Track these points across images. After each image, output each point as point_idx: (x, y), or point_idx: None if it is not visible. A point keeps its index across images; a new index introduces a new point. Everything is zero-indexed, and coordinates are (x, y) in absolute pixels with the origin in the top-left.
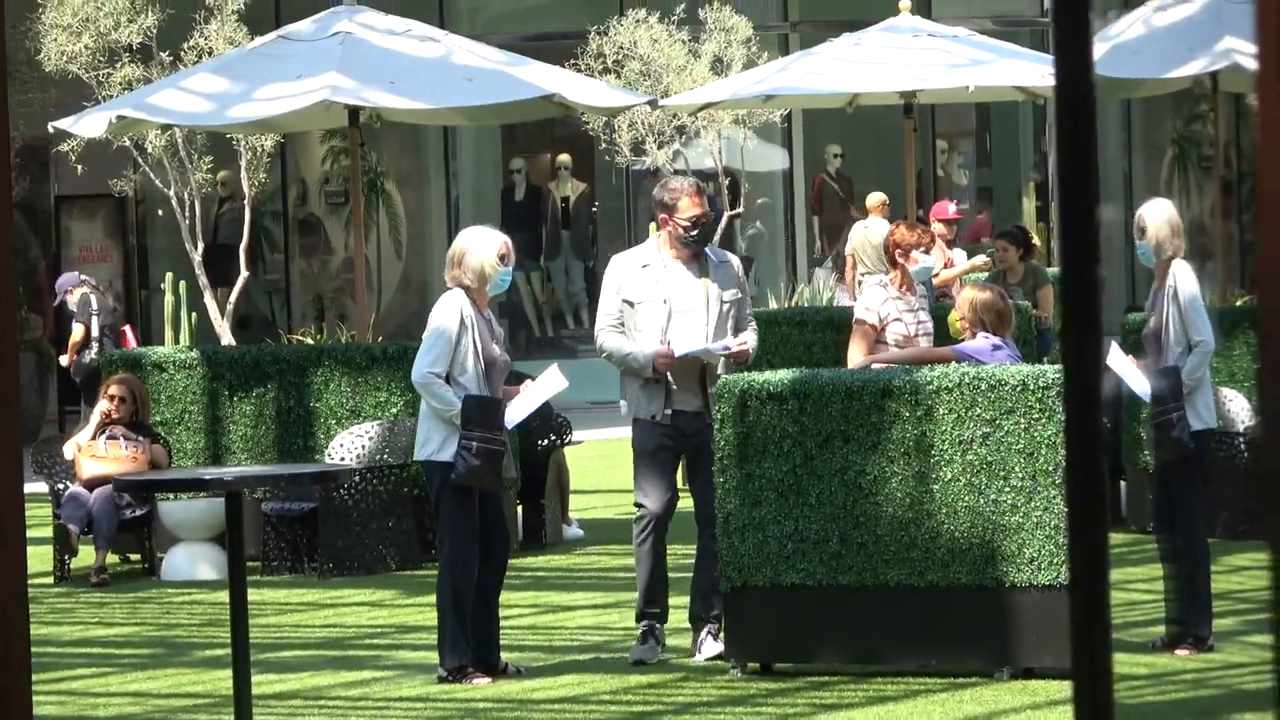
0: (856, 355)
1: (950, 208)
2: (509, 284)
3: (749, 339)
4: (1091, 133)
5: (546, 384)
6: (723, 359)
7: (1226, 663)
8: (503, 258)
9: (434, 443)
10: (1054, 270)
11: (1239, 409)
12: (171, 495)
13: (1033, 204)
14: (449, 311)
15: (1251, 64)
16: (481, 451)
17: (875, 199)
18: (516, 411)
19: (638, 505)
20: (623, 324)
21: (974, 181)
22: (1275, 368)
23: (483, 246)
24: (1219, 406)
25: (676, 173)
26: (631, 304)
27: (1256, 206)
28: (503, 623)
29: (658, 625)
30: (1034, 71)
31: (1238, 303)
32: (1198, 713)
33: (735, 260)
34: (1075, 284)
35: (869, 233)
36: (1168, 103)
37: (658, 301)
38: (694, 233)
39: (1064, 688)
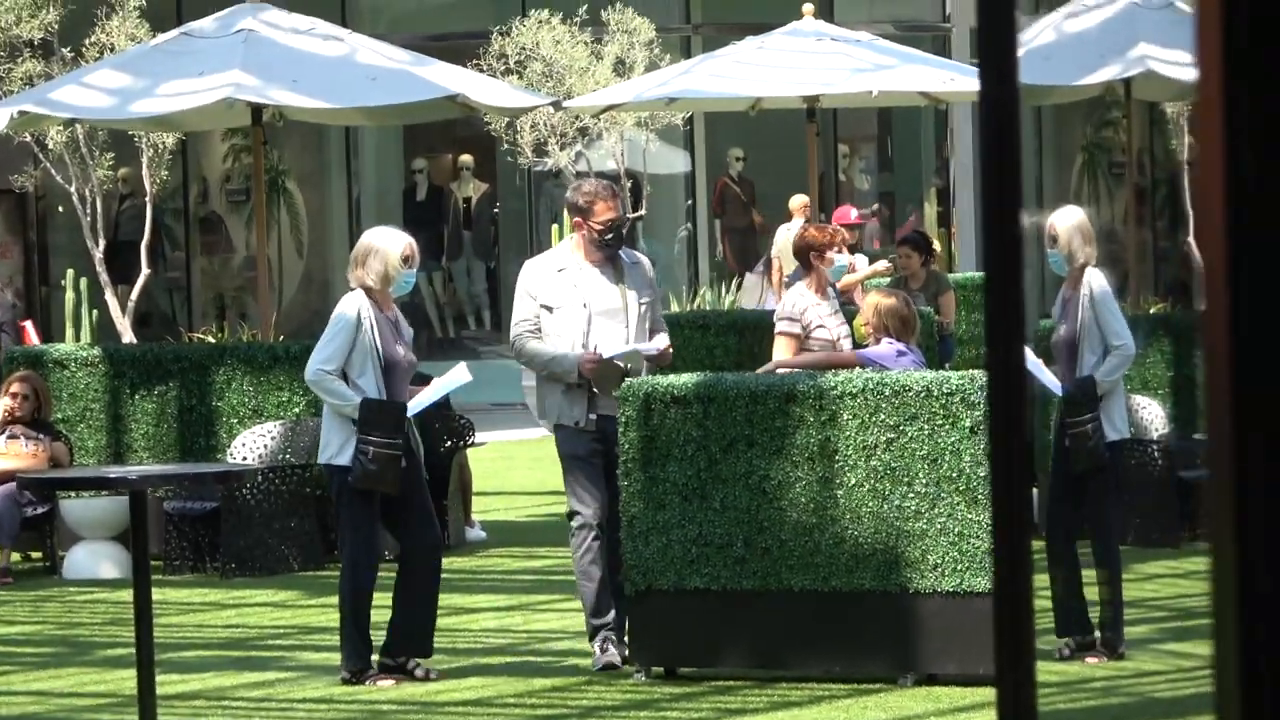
0: None
1: (852, 212)
2: (413, 286)
3: (665, 341)
4: (1015, 139)
5: (451, 377)
6: (645, 362)
7: (1138, 670)
8: (406, 259)
9: (333, 446)
10: (955, 275)
11: (1152, 417)
12: (73, 493)
13: (934, 209)
14: (347, 311)
15: (1167, 70)
16: (378, 456)
17: (798, 201)
18: (418, 401)
19: (572, 514)
20: (539, 329)
21: (875, 186)
22: (1217, 374)
23: (386, 247)
24: (1131, 414)
25: (579, 175)
26: (550, 309)
27: (1195, 212)
28: None
29: (612, 633)
30: (936, 77)
31: (1151, 310)
32: None
33: (646, 261)
34: (999, 293)
35: (793, 235)
36: (1078, 110)
37: (577, 305)
38: (609, 237)
39: (968, 694)
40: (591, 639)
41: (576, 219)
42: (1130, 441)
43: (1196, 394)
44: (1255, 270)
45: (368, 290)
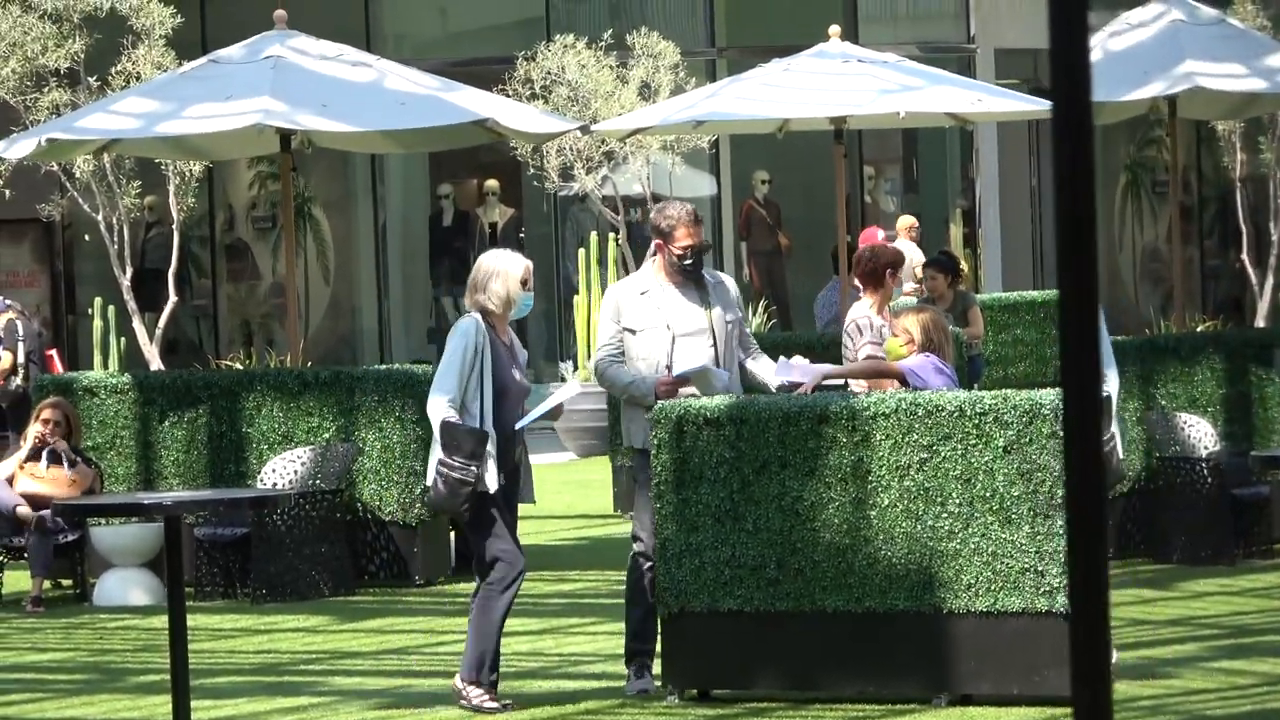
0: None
1: (879, 234)
2: (530, 308)
3: (818, 370)
4: (1090, 159)
5: (560, 392)
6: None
7: (1186, 689)
8: (525, 282)
9: None
10: (982, 296)
11: (1200, 434)
12: (103, 520)
13: (959, 230)
14: (465, 337)
15: (1217, 85)
16: (450, 480)
17: (905, 221)
18: (528, 417)
19: (637, 538)
20: (622, 353)
21: (901, 208)
22: None
23: (507, 271)
24: (1179, 432)
25: (606, 199)
26: (633, 331)
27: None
28: (438, 649)
29: (649, 660)
30: (964, 97)
31: (1199, 329)
32: None
33: (729, 280)
34: (1074, 314)
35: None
36: (1122, 129)
37: (660, 328)
38: (687, 262)
39: (1002, 714)
40: (628, 662)
41: (658, 241)
42: (1176, 458)
43: (1251, 410)
44: None
45: (486, 313)
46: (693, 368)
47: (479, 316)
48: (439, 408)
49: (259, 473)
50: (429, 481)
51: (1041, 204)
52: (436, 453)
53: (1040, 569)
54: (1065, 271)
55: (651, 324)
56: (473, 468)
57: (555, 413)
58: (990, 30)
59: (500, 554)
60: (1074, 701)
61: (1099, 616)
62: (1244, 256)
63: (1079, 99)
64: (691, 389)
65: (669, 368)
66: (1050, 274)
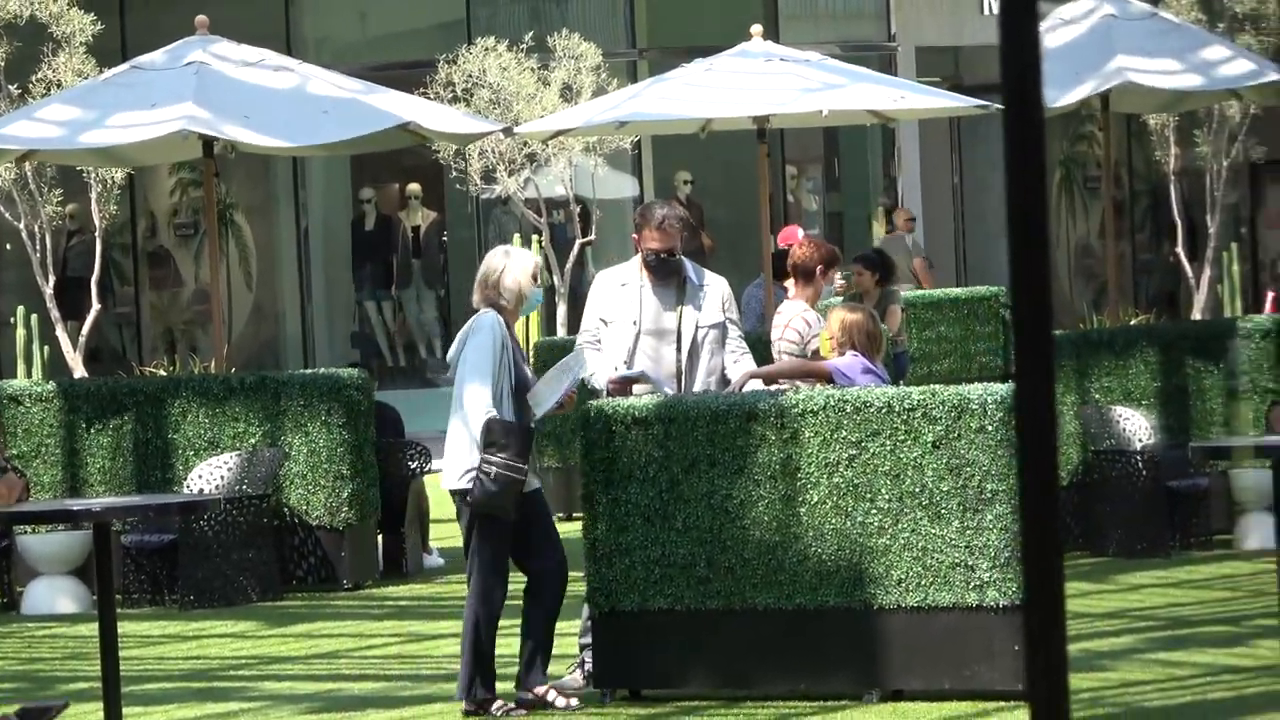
0: None
1: (799, 232)
2: (540, 303)
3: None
4: (1041, 158)
5: (568, 369)
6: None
7: (1124, 680)
8: (534, 276)
9: (460, 469)
10: (906, 294)
11: (1135, 428)
12: (30, 528)
13: (882, 228)
14: (490, 332)
15: (1150, 80)
16: (500, 477)
17: (904, 214)
18: (547, 398)
19: None
20: (599, 340)
21: (823, 206)
22: None
23: (517, 266)
24: (1114, 425)
25: (520, 200)
26: (605, 322)
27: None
28: (367, 653)
29: (588, 658)
30: (886, 95)
31: (1131, 322)
32: None
33: (717, 284)
34: (1027, 311)
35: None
36: (1054, 125)
37: (627, 322)
38: (650, 260)
39: (932, 709)
40: (582, 649)
41: (634, 235)
42: (1111, 451)
43: (1186, 403)
44: None
45: (498, 310)
46: (633, 371)
47: (495, 313)
48: (481, 402)
49: (185, 479)
50: (466, 483)
51: (964, 201)
52: (473, 452)
53: (970, 564)
54: (1017, 266)
55: (621, 317)
56: (523, 466)
57: (570, 400)
58: (911, 28)
59: (485, 579)
60: (1030, 696)
61: (1054, 610)
62: (1179, 250)
63: (1029, 91)
64: (645, 387)
65: (628, 364)
66: (973, 270)
